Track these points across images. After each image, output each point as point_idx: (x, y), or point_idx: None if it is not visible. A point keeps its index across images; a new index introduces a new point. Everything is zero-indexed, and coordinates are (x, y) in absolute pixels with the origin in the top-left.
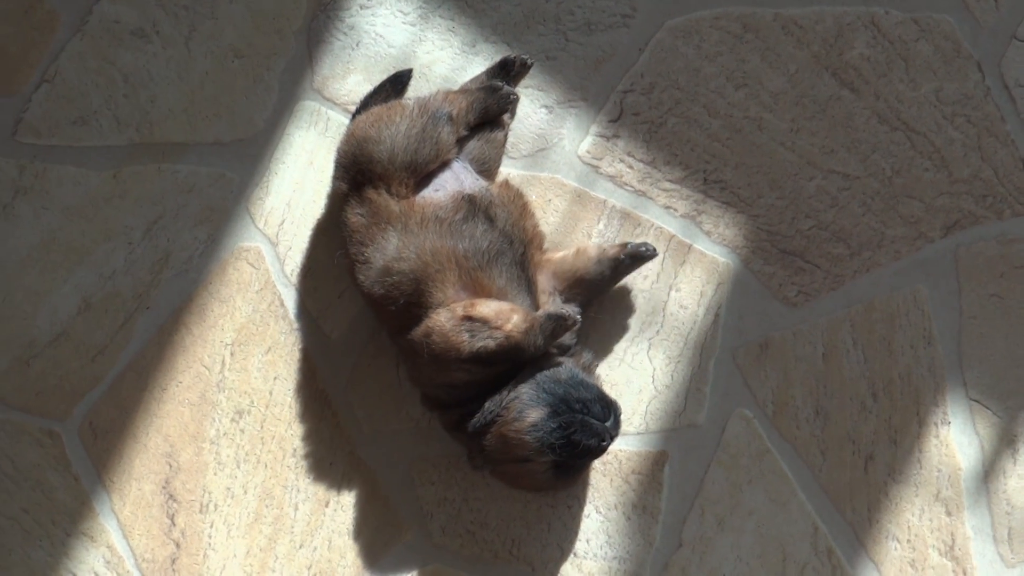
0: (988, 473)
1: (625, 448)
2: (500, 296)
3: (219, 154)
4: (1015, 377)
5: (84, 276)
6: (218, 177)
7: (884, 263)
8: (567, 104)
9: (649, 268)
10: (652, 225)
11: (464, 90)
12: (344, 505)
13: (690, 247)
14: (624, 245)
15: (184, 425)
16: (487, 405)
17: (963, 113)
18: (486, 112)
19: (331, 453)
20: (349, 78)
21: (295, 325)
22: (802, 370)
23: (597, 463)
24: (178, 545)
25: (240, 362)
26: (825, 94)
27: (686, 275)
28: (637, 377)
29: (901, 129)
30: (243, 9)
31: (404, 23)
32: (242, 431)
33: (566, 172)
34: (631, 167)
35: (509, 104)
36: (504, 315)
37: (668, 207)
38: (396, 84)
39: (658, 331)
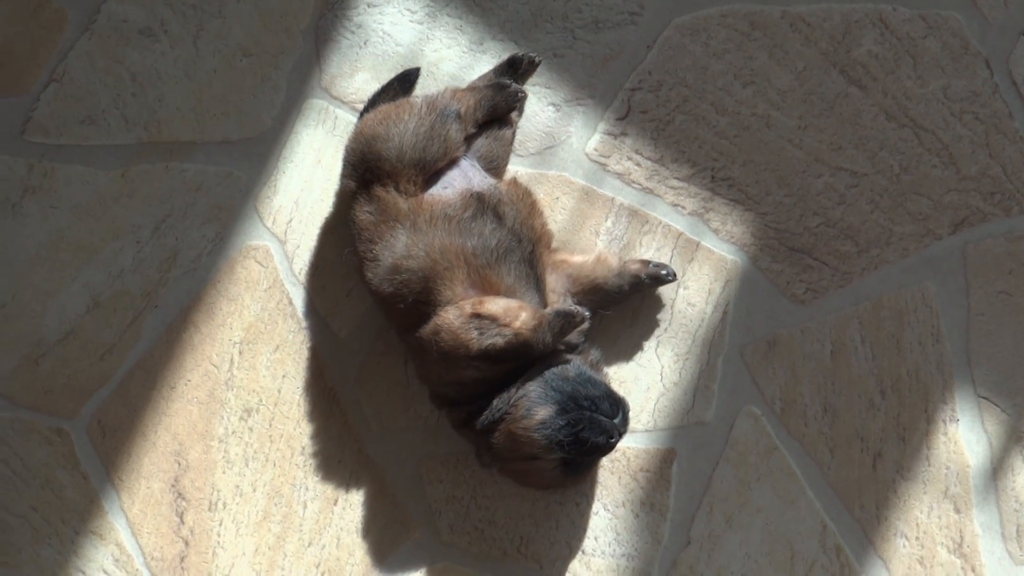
0: (997, 470)
1: (633, 445)
2: (509, 294)
3: (227, 153)
4: (1023, 374)
5: (92, 275)
6: (226, 176)
7: (892, 260)
8: (575, 102)
9: None
10: (660, 223)
11: (472, 88)
12: (353, 503)
13: (698, 245)
14: (646, 263)
15: (193, 423)
16: (495, 403)
17: (971, 110)
18: (494, 110)
19: (339, 451)
20: (357, 76)
21: (303, 323)
22: (810, 367)
23: (605, 460)
24: (187, 543)
25: (249, 360)
26: (833, 91)
27: (694, 273)
28: (645, 374)
29: (909, 126)
30: (251, 8)
31: (412, 21)
32: (251, 429)
33: (574, 170)
34: (639, 165)
35: (517, 102)
36: (513, 312)
37: (676, 205)
38: (404, 82)
39: (666, 328)
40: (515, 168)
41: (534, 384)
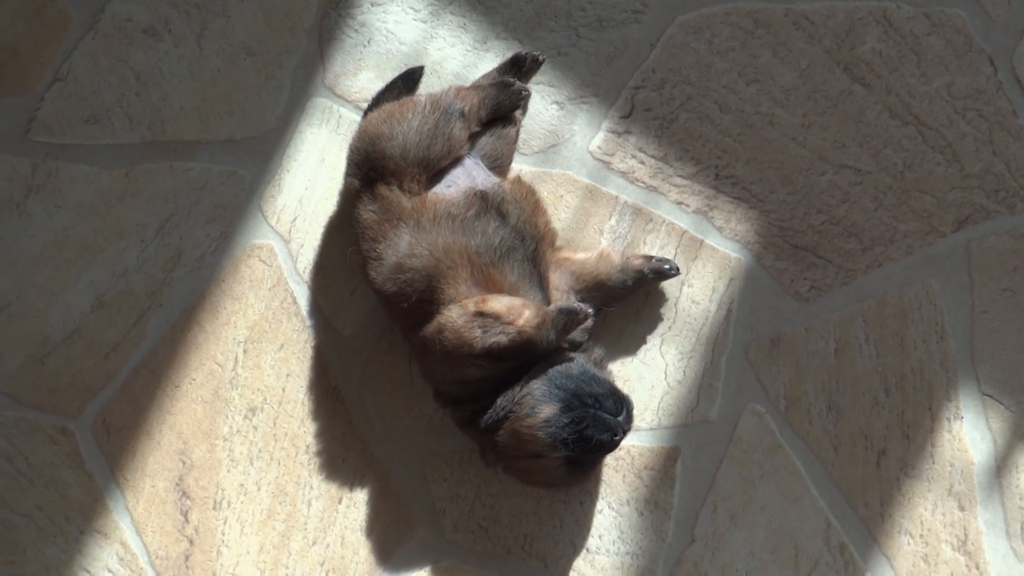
0: (1001, 468)
1: (637, 444)
2: (512, 292)
3: (231, 152)
4: None
5: (97, 274)
6: (230, 175)
7: (896, 258)
8: (579, 100)
9: None
10: (664, 221)
11: (476, 86)
12: (357, 502)
13: (702, 243)
14: (649, 258)
15: (197, 422)
16: (499, 401)
17: (975, 108)
18: (498, 108)
19: (344, 450)
20: (360, 75)
21: (307, 322)
22: (814, 365)
23: (609, 459)
24: (191, 542)
25: (253, 359)
26: (837, 89)
27: (698, 271)
28: (649, 373)
29: (913, 124)
30: (254, 7)
31: (415, 20)
32: (255, 428)
33: (578, 168)
34: (643, 163)
35: (521, 100)
36: (516, 311)
37: (680, 203)
38: (408, 81)
39: (670, 327)
40: (519, 166)
41: (538, 382)
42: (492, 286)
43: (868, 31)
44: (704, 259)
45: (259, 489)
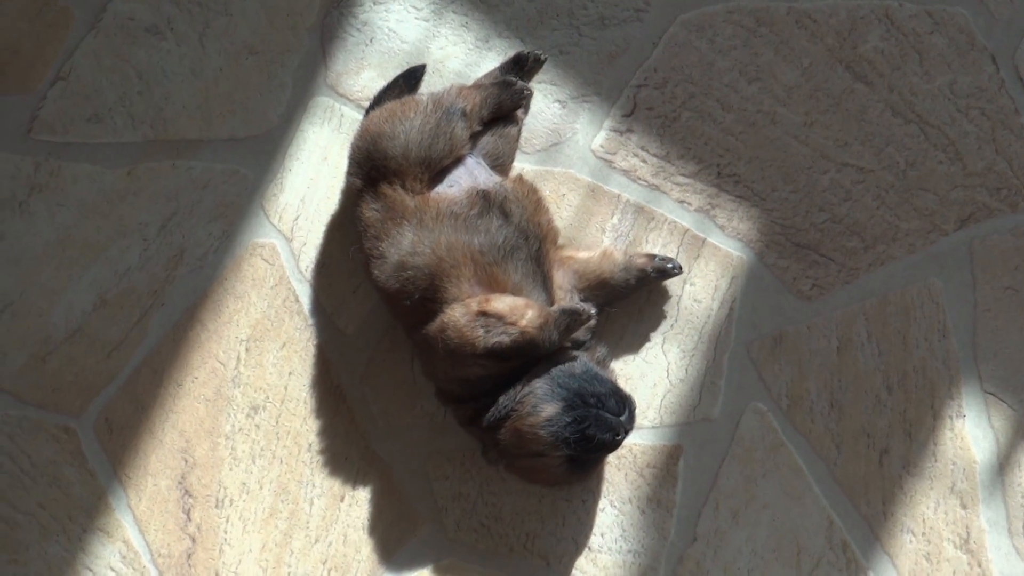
0: (1003, 466)
1: (639, 442)
2: (515, 291)
3: (233, 150)
4: None
5: (99, 272)
6: (232, 173)
7: (898, 256)
8: (580, 99)
9: None
10: (666, 219)
11: (478, 85)
12: (359, 500)
13: (704, 241)
14: (652, 257)
15: (199, 421)
16: (501, 400)
17: (977, 106)
18: (500, 107)
19: (346, 448)
20: (363, 74)
21: (310, 321)
22: (816, 363)
23: (612, 457)
24: (194, 540)
25: (255, 358)
26: (839, 87)
27: (700, 269)
28: (651, 371)
29: (915, 122)
30: (257, 5)
31: (417, 19)
32: (257, 426)
33: (580, 167)
34: (645, 161)
35: (523, 99)
36: (519, 311)
37: (682, 201)
38: (409, 80)
39: (672, 325)
40: (521, 165)
41: (540, 381)
42: (495, 285)
43: (870, 29)
44: (706, 257)
45: (261, 487)
